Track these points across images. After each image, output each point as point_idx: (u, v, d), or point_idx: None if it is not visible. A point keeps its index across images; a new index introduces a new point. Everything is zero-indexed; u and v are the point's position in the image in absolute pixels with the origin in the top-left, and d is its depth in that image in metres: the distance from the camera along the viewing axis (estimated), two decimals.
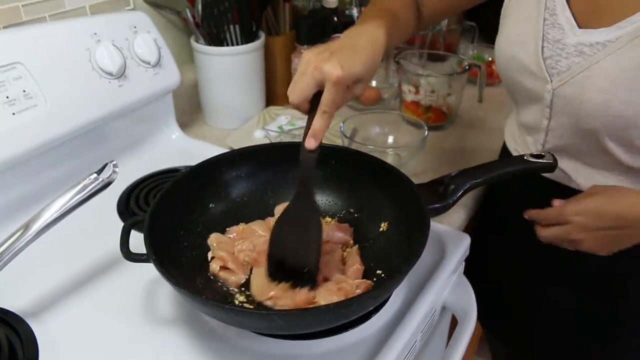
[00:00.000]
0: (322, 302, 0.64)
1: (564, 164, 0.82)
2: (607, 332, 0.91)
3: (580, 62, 0.73)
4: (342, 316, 0.60)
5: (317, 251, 0.69)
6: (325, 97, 0.66)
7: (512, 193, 0.95)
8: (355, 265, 0.73)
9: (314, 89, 0.67)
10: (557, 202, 0.76)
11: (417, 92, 1.21)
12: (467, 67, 1.22)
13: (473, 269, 0.92)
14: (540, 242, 0.79)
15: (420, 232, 0.67)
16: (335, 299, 0.64)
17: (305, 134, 0.68)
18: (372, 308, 0.65)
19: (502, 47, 0.83)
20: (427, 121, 1.19)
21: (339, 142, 1.06)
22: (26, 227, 0.67)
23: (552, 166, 0.79)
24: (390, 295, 0.73)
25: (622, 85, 0.68)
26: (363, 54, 0.68)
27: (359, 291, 0.67)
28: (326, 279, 0.70)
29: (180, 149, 1.09)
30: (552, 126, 0.80)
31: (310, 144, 0.68)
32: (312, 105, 0.69)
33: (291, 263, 0.70)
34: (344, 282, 0.68)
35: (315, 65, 0.66)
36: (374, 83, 1.36)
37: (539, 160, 0.78)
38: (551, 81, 0.76)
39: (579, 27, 0.74)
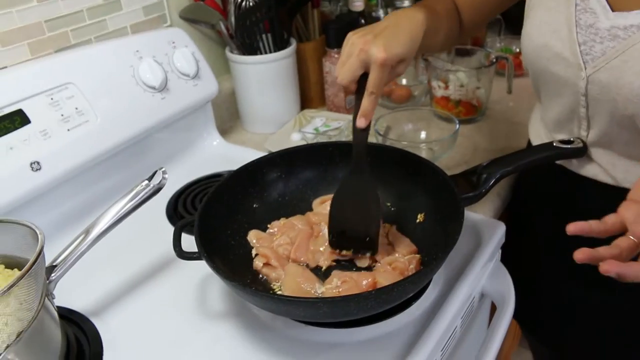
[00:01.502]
0: (385, 283, 0.68)
1: (598, 157, 0.81)
2: None
3: (615, 47, 0.72)
4: (384, 302, 0.64)
5: (378, 220, 0.75)
6: (372, 78, 0.71)
7: (542, 193, 0.96)
8: (405, 241, 0.79)
9: (360, 70, 0.72)
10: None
11: (446, 87, 1.23)
12: (494, 60, 1.24)
13: (511, 257, 0.94)
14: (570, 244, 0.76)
15: (456, 221, 0.70)
16: (392, 278, 0.69)
17: (356, 114, 0.73)
18: (412, 294, 0.68)
19: (532, 36, 0.82)
20: (458, 115, 1.22)
21: (373, 140, 1.09)
22: (86, 232, 0.72)
23: (582, 150, 0.80)
24: (430, 283, 0.76)
25: None
26: (404, 35, 0.73)
27: (412, 267, 0.73)
28: (375, 261, 0.75)
29: (221, 155, 1.14)
30: (591, 115, 0.80)
31: (361, 122, 0.73)
32: (359, 86, 0.74)
33: (353, 233, 0.76)
34: (395, 260, 0.73)
35: (362, 47, 0.71)
36: (404, 81, 1.39)
37: (569, 146, 0.80)
38: (585, 68, 0.75)
39: (613, 9, 0.74)
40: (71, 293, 0.78)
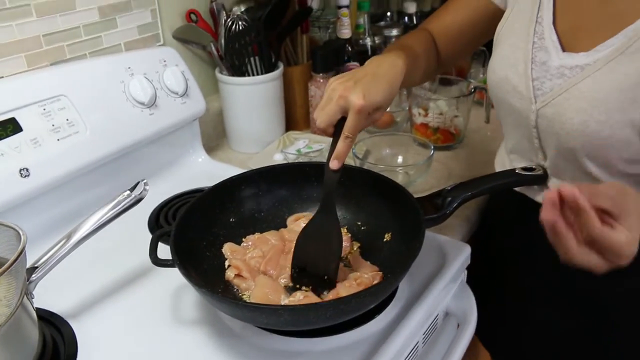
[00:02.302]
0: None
1: (554, 186, 0.86)
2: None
3: (561, 84, 0.78)
4: (342, 312, 0.68)
5: (337, 261, 0.78)
6: (348, 124, 0.75)
7: (506, 219, 1.01)
8: (366, 264, 0.83)
9: (338, 115, 0.77)
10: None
11: (426, 114, 1.28)
12: (472, 90, 1.29)
13: (478, 279, 0.98)
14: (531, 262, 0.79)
15: (417, 240, 0.75)
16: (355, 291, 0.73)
17: (330, 155, 0.77)
18: (372, 306, 0.72)
19: (495, 69, 0.89)
20: (436, 142, 1.27)
21: (351, 163, 1.14)
22: (68, 237, 0.76)
23: (543, 178, 0.85)
24: (393, 297, 0.80)
25: (598, 107, 0.74)
26: (383, 84, 0.77)
27: (375, 282, 0.77)
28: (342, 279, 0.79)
29: (206, 172, 1.19)
30: (543, 147, 0.85)
31: (334, 165, 0.77)
32: (336, 129, 0.78)
33: (312, 270, 0.79)
34: (360, 277, 0.77)
35: (341, 94, 0.75)
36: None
37: (530, 173, 0.85)
38: (535, 102, 0.82)
39: (563, 50, 0.81)
40: (53, 296, 0.81)
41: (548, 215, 0.58)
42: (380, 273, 0.80)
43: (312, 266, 0.79)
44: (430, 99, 1.30)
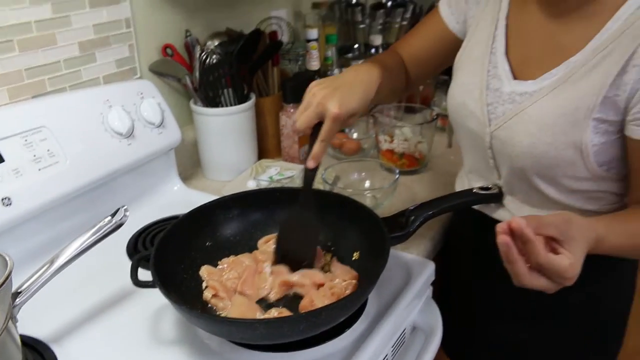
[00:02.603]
0: (320, 305, 0.77)
1: (508, 202, 0.94)
2: None
3: (512, 109, 0.87)
4: (314, 325, 0.72)
5: (315, 248, 0.89)
6: (325, 129, 0.83)
7: (466, 237, 1.08)
8: (345, 268, 0.90)
9: (316, 120, 0.84)
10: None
11: (391, 141, 1.35)
12: (435, 117, 1.37)
13: (444, 294, 1.04)
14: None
15: (383, 256, 0.80)
16: (328, 301, 0.78)
17: (307, 156, 0.85)
18: (342, 319, 0.77)
19: (454, 95, 0.97)
20: (402, 167, 1.34)
21: (320, 187, 1.19)
22: (51, 262, 0.79)
23: (498, 196, 0.92)
24: (362, 312, 0.85)
25: (544, 130, 0.82)
26: (359, 93, 0.85)
27: (347, 291, 0.82)
28: (321, 285, 0.85)
29: (181, 199, 1.23)
30: (498, 166, 0.93)
31: (310, 164, 0.85)
32: (313, 131, 0.85)
33: (293, 257, 0.88)
34: (334, 287, 0.83)
35: (320, 101, 0.83)
36: (354, 135, 1.52)
37: (486, 192, 0.92)
38: (490, 125, 0.90)
39: (514, 77, 0.89)
40: (35, 321, 0.84)
41: (501, 244, 0.65)
42: (355, 281, 0.85)
43: (293, 253, 0.88)
44: (396, 126, 1.37)
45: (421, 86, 1.71)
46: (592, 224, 0.72)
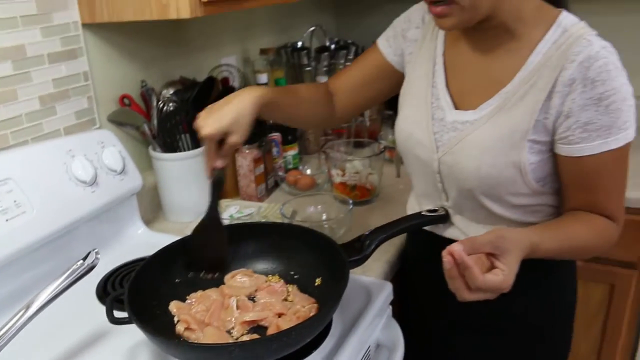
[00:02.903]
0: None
1: (457, 221, 1.03)
2: None
3: (456, 136, 0.96)
4: (285, 344, 0.78)
5: (226, 242, 0.99)
6: (205, 147, 0.94)
7: (419, 258, 1.16)
8: (304, 296, 0.95)
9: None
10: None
11: (343, 174, 1.44)
12: (383, 149, 1.46)
13: (404, 313, 1.12)
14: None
15: (343, 279, 0.87)
16: (294, 324, 0.83)
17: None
18: (310, 338, 0.82)
19: (402, 127, 1.06)
20: (355, 198, 1.42)
21: (280, 221, 1.26)
22: (27, 307, 0.82)
23: (445, 217, 1.01)
24: (328, 333, 0.91)
25: (486, 153, 0.92)
26: (230, 113, 0.92)
27: (312, 314, 0.88)
28: (282, 314, 0.89)
29: (146, 242, 1.26)
30: (446, 189, 1.02)
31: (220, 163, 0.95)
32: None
33: (210, 255, 0.98)
34: (298, 311, 0.88)
35: (198, 124, 0.92)
36: (308, 171, 1.59)
37: (434, 214, 1.00)
38: (437, 151, 0.99)
39: (456, 108, 0.98)
40: None
41: (445, 267, 0.76)
42: (316, 305, 0.91)
43: (208, 251, 0.99)
44: (346, 160, 1.45)
45: (368, 122, 1.82)
46: (525, 233, 0.82)
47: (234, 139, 0.93)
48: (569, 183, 0.93)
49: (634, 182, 1.47)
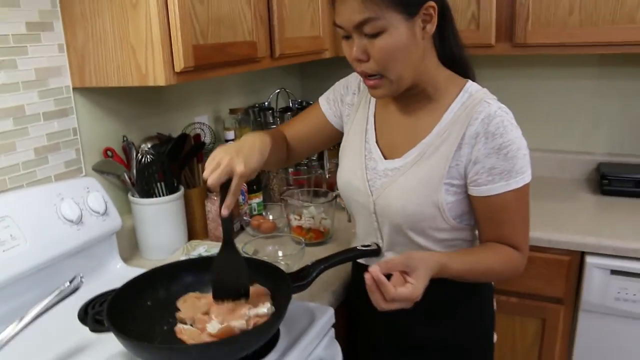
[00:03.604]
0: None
1: (389, 255, 1.22)
2: None
3: (387, 181, 1.17)
4: (234, 350, 0.95)
5: (247, 280, 1.09)
6: (234, 184, 1.04)
7: (357, 288, 1.35)
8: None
9: (225, 178, 1.04)
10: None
11: (300, 218, 1.63)
12: (334, 197, 1.67)
13: (351, 335, 1.30)
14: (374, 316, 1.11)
15: (288, 298, 1.05)
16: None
17: (221, 206, 1.05)
18: (257, 345, 1.00)
19: (342, 176, 1.27)
20: (310, 239, 1.61)
21: None
22: (20, 319, 0.99)
23: (377, 251, 1.20)
24: (275, 343, 1.08)
25: (411, 194, 1.12)
26: (257, 154, 1.09)
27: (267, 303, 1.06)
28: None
29: (123, 276, 1.40)
30: (380, 227, 1.22)
31: (225, 212, 1.05)
32: (222, 187, 1.05)
33: (229, 289, 1.08)
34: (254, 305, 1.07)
35: (227, 162, 1.03)
36: (270, 217, 1.79)
37: (366, 248, 1.20)
38: (372, 195, 1.19)
39: (385, 158, 1.19)
40: None
41: (367, 283, 0.96)
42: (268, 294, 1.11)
43: (228, 293, 1.08)
44: (303, 206, 1.65)
45: (327, 174, 2.03)
46: (433, 255, 1.03)
47: (253, 175, 1.10)
48: (480, 219, 1.14)
49: (557, 226, 1.73)
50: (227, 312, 1.06)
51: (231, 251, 1.09)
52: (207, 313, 1.09)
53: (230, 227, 1.10)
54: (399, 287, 0.95)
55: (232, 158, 1.04)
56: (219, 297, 1.09)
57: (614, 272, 1.62)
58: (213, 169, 1.04)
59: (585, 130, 2.24)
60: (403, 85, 1.10)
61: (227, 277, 1.08)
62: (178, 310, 1.13)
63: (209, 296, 1.13)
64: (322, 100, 1.35)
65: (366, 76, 1.09)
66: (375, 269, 0.95)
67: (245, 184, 1.76)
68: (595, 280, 1.65)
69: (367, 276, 0.95)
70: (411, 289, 0.95)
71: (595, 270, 1.64)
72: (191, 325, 1.08)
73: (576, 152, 2.26)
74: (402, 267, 0.97)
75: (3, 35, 1.26)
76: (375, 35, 1.03)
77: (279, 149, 1.29)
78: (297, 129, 1.37)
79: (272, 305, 1.09)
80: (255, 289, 1.13)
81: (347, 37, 1.07)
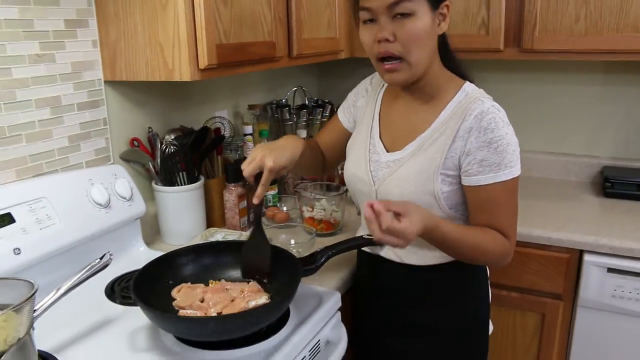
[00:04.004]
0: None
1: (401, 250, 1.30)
2: None
3: (387, 172, 1.26)
4: (249, 323, 1.05)
5: (270, 261, 1.22)
6: (264, 177, 1.20)
7: (363, 272, 1.45)
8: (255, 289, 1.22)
9: (257, 170, 1.21)
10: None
11: (312, 210, 1.73)
12: (345, 191, 1.76)
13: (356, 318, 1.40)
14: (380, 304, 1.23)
15: (297, 279, 1.15)
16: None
17: (254, 195, 1.21)
18: (269, 321, 1.09)
19: (348, 168, 1.37)
20: (321, 230, 1.70)
21: None
22: (57, 289, 1.10)
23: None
24: (285, 321, 1.17)
25: (409, 183, 1.22)
26: (288, 153, 1.23)
27: (262, 298, 1.16)
28: (234, 299, 1.17)
29: (146, 258, 1.50)
30: None
31: (255, 201, 1.21)
32: (256, 178, 1.22)
33: (255, 269, 1.22)
34: (247, 297, 1.17)
35: (260, 157, 1.19)
36: (284, 208, 1.89)
37: (370, 236, 1.28)
38: (374, 184, 1.29)
39: (387, 151, 1.29)
40: (42, 339, 1.11)
41: (366, 214, 1.04)
42: (266, 294, 1.20)
43: (254, 267, 1.23)
44: (315, 198, 1.75)
45: (340, 170, 2.11)
46: (429, 211, 1.14)
47: (284, 171, 1.26)
48: (471, 208, 1.23)
49: (558, 225, 1.80)
50: (225, 301, 1.15)
51: (260, 235, 1.22)
52: (202, 300, 1.18)
53: (260, 214, 1.23)
54: (394, 221, 1.04)
55: (264, 155, 1.19)
56: (247, 275, 1.23)
57: (611, 270, 1.70)
58: (249, 163, 1.20)
59: (591, 135, 2.31)
60: (418, 73, 1.19)
61: (256, 257, 1.22)
62: (174, 299, 1.20)
63: (200, 286, 1.23)
64: (339, 110, 1.47)
65: (387, 59, 1.18)
66: (376, 202, 1.04)
67: None
68: (593, 277, 1.73)
69: (366, 207, 1.04)
70: (404, 225, 1.04)
71: (592, 267, 1.72)
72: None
73: (582, 155, 2.33)
74: (399, 209, 1.06)
75: (44, 31, 1.37)
76: (405, 16, 1.13)
77: (313, 153, 1.41)
78: (324, 140, 1.49)
79: (270, 298, 1.19)
80: (250, 286, 1.23)
81: (370, 20, 1.17)
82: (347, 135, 1.44)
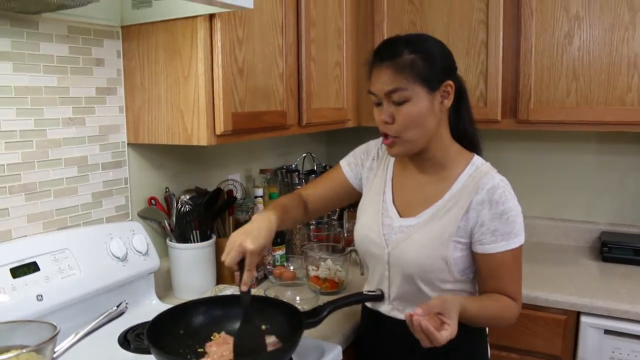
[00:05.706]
0: None
1: (396, 303, 1.37)
2: None
3: (402, 236, 1.34)
4: None
5: (264, 344, 1.22)
6: (248, 261, 1.22)
7: (364, 330, 1.50)
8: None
9: (239, 257, 1.22)
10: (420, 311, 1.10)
11: (317, 269, 1.80)
12: (349, 251, 1.84)
13: None
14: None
15: (300, 331, 1.22)
16: None
17: (240, 282, 1.23)
18: None
19: (359, 231, 1.45)
20: (326, 289, 1.78)
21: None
22: (76, 333, 1.18)
23: (380, 296, 1.37)
24: None
25: (423, 248, 1.30)
26: (264, 232, 1.26)
27: None
28: None
29: (157, 311, 1.57)
30: (391, 276, 1.38)
31: (244, 288, 1.22)
32: (240, 265, 1.24)
33: (250, 353, 1.20)
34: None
35: (239, 243, 1.21)
36: (291, 267, 1.96)
37: (372, 293, 1.36)
38: (387, 247, 1.37)
39: (400, 216, 1.38)
40: None
41: (414, 327, 1.10)
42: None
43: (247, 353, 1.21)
44: (321, 258, 1.83)
45: (346, 233, 2.20)
46: (457, 298, 1.20)
47: (264, 252, 1.28)
48: (482, 273, 1.31)
49: (555, 287, 1.86)
50: (229, 354, 1.20)
51: (250, 323, 1.22)
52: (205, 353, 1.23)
53: (248, 301, 1.22)
54: (442, 332, 1.09)
55: (242, 240, 1.20)
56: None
57: (608, 331, 1.74)
58: (228, 252, 1.21)
59: (589, 201, 2.40)
60: (416, 147, 1.30)
61: (247, 344, 1.21)
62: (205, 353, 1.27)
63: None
64: (344, 163, 1.55)
65: (385, 136, 1.30)
66: (418, 313, 1.09)
67: None
68: (590, 339, 1.76)
69: (412, 319, 1.09)
70: (450, 330, 1.10)
71: (589, 329, 1.76)
72: None
73: (581, 221, 2.41)
74: (439, 309, 1.13)
75: (78, 97, 1.52)
76: (401, 103, 1.24)
77: (291, 215, 1.43)
78: (319, 189, 1.56)
79: None
80: None
81: (379, 103, 1.29)
82: (348, 188, 1.52)
